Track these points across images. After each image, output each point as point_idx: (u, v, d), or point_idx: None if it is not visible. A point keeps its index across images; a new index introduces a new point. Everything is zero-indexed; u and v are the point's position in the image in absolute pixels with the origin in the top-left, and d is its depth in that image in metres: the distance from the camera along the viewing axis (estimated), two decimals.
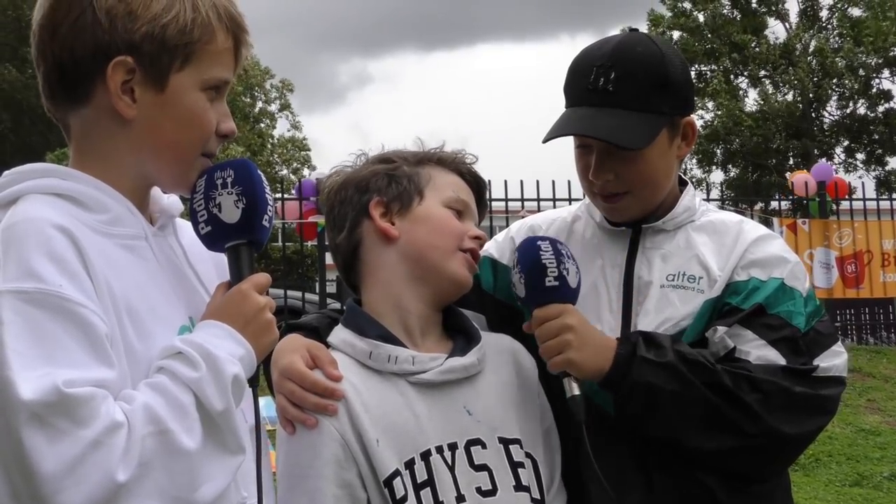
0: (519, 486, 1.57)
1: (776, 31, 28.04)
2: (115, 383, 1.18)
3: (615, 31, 1.94)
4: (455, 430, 1.57)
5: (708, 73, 27.25)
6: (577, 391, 1.59)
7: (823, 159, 26.12)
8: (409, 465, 1.52)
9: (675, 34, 27.09)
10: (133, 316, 1.25)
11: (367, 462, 1.51)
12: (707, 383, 1.63)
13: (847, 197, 11.85)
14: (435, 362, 1.59)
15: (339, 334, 1.63)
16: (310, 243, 10.48)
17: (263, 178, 1.39)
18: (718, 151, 28.15)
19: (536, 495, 1.60)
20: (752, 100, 27.82)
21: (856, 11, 26.88)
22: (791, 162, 27.68)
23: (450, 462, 1.54)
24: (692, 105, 1.88)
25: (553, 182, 10.12)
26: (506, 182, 10.00)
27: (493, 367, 1.65)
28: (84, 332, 1.16)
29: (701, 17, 27.41)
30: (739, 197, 17.92)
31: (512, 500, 1.56)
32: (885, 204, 11.27)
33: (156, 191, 1.43)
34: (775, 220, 10.59)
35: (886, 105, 27.72)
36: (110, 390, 1.16)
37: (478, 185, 1.75)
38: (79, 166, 1.34)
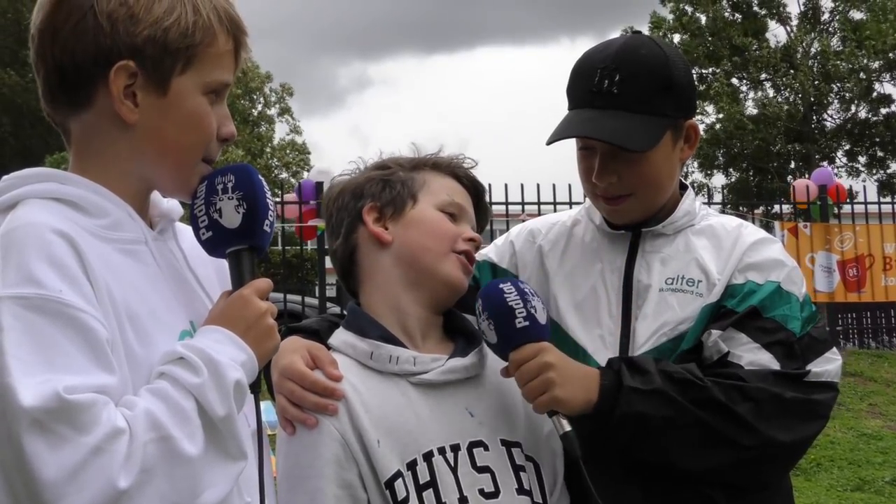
0: (521, 490, 1.57)
1: (777, 34, 28.09)
2: (116, 389, 1.17)
3: (616, 35, 1.93)
4: (457, 431, 1.57)
5: (709, 76, 27.27)
6: (567, 427, 1.56)
7: (825, 163, 26.14)
8: (411, 465, 1.52)
9: (676, 37, 27.10)
10: (134, 321, 1.24)
11: (367, 463, 1.51)
12: (697, 400, 1.62)
13: (848, 201, 11.84)
14: (436, 363, 1.59)
15: (340, 336, 1.64)
16: (309, 247, 10.48)
17: (264, 183, 1.38)
18: (719, 155, 28.16)
19: (538, 499, 1.59)
20: (753, 103, 27.85)
21: (857, 14, 26.90)
22: (792, 165, 27.70)
23: (452, 463, 1.54)
24: (695, 108, 1.88)
25: (554, 185, 10.14)
26: (506, 185, 10.02)
27: (494, 370, 1.65)
28: (85, 337, 1.15)
29: (703, 20, 27.44)
30: (741, 201, 17.90)
31: (514, 502, 1.56)
32: (886, 207, 11.27)
33: (155, 195, 1.43)
34: (776, 224, 10.58)
35: (888, 109, 27.74)
36: (111, 396, 1.15)
37: (475, 189, 1.75)
38: (79, 171, 1.33)
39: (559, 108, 1.86)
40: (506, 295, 1.59)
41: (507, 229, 2.08)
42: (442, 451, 1.55)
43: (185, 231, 1.47)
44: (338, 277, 1.76)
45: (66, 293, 1.16)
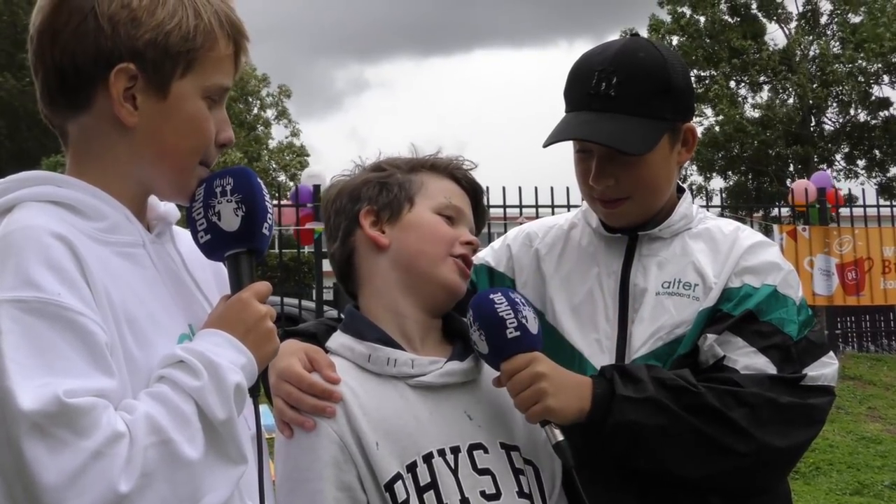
0: (521, 493, 1.57)
1: (776, 37, 28.13)
2: (115, 393, 1.16)
3: (614, 38, 1.93)
4: (457, 433, 1.57)
5: (707, 78, 27.29)
6: (560, 437, 1.55)
7: (823, 165, 26.14)
8: (411, 468, 1.52)
9: (675, 39, 27.13)
10: (132, 324, 1.24)
11: (366, 465, 1.50)
12: (691, 407, 1.61)
13: (846, 204, 11.84)
14: (434, 366, 1.59)
15: (338, 339, 1.63)
16: (307, 250, 10.46)
17: (263, 186, 1.37)
18: (718, 158, 28.17)
19: (539, 503, 1.60)
20: (752, 105, 27.87)
21: (856, 18, 26.92)
22: (791, 168, 27.72)
23: (452, 465, 1.54)
24: (693, 111, 1.88)
25: (551, 188, 10.15)
26: (504, 188, 10.00)
27: (491, 374, 1.64)
28: (83, 340, 1.15)
29: (702, 21, 27.47)
30: (739, 204, 17.92)
31: None
32: (885, 211, 11.26)
33: (152, 198, 1.42)
34: (775, 227, 10.58)
35: (886, 112, 27.76)
36: (111, 400, 1.15)
37: (474, 191, 1.74)
38: (76, 173, 1.33)
39: (557, 110, 1.86)
40: (496, 305, 1.58)
41: (505, 232, 2.07)
42: (442, 452, 1.54)
43: (183, 234, 1.46)
44: (336, 280, 1.76)
45: (65, 296, 1.15)
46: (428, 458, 1.53)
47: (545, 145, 1.82)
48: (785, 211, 13.03)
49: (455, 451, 1.55)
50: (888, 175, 28.16)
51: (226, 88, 1.38)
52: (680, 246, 1.83)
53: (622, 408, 1.60)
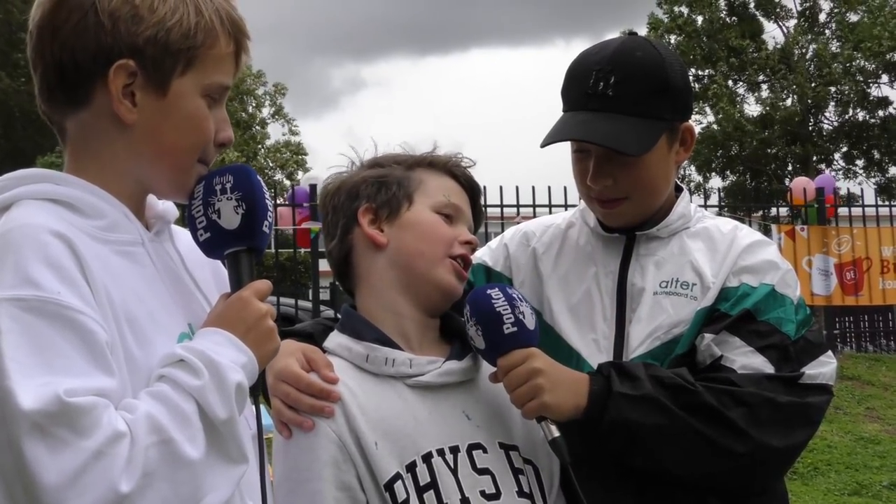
0: (521, 493, 1.57)
1: (775, 35, 28.13)
2: (115, 392, 1.16)
3: (611, 36, 1.92)
4: (456, 433, 1.57)
5: (706, 78, 27.30)
6: (556, 433, 1.55)
7: (823, 165, 26.14)
8: (411, 467, 1.51)
9: (672, 38, 27.13)
10: (132, 323, 1.23)
11: (365, 465, 1.50)
12: (688, 405, 1.61)
13: (845, 203, 11.84)
14: (433, 365, 1.59)
15: (336, 339, 1.63)
16: (303, 250, 10.45)
17: (263, 184, 1.37)
18: (716, 157, 28.18)
19: (539, 502, 1.59)
20: (753, 105, 27.88)
21: (854, 17, 26.93)
22: (790, 168, 27.73)
23: (452, 465, 1.54)
24: (691, 110, 1.88)
25: (549, 188, 10.13)
26: (501, 188, 9.99)
27: (489, 374, 1.64)
28: (83, 339, 1.14)
29: (699, 21, 27.47)
30: (738, 203, 17.93)
31: None
32: (884, 210, 11.26)
33: (151, 197, 1.41)
34: (773, 227, 10.57)
35: (885, 111, 27.78)
36: (111, 399, 1.14)
37: (472, 189, 1.73)
38: (74, 171, 1.32)
39: (554, 110, 1.86)
40: (493, 300, 1.58)
41: (502, 232, 2.07)
42: (441, 452, 1.54)
43: (181, 233, 1.46)
44: (334, 277, 1.75)
45: (65, 295, 1.15)
46: (427, 458, 1.53)
47: (543, 145, 1.81)
48: (784, 211, 13.03)
49: (454, 450, 1.55)
50: (887, 175, 28.17)
51: (226, 87, 1.37)
52: (678, 245, 1.82)
53: (618, 405, 1.59)
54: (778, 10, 27.78)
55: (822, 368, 1.71)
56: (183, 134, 1.32)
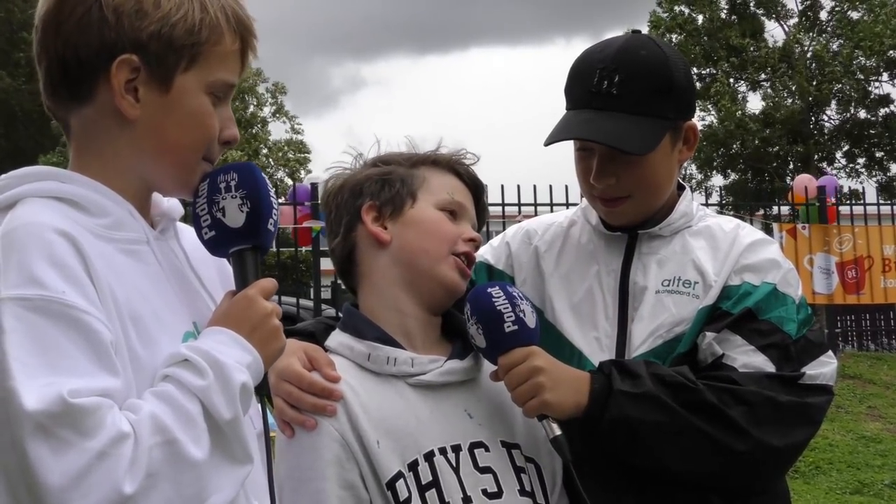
0: (523, 491, 1.57)
1: (775, 34, 28.10)
2: (120, 392, 1.15)
3: (611, 35, 1.91)
4: (457, 432, 1.57)
5: (707, 76, 27.27)
6: (558, 431, 1.55)
7: (825, 164, 26.10)
8: (413, 466, 1.51)
9: (674, 37, 27.09)
10: (137, 322, 1.22)
11: (367, 463, 1.50)
12: (689, 403, 1.61)
13: (846, 201, 11.82)
14: (434, 364, 1.59)
15: (337, 338, 1.63)
16: (304, 249, 10.44)
17: (267, 181, 1.36)
18: (717, 155, 28.15)
19: (541, 501, 1.59)
20: (755, 103, 27.87)
21: (855, 14, 26.89)
22: (791, 167, 27.70)
23: (454, 463, 1.54)
24: (694, 109, 1.88)
25: (550, 186, 10.09)
26: (502, 187, 9.96)
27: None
28: (88, 339, 1.14)
29: (700, 20, 27.45)
30: (739, 202, 17.92)
31: (517, 503, 1.56)
32: (885, 209, 11.24)
33: (156, 195, 1.41)
34: (775, 226, 10.56)
35: (886, 109, 27.75)
36: (115, 399, 1.14)
37: (475, 187, 1.73)
38: (78, 168, 1.31)
39: (555, 109, 1.85)
40: (494, 299, 1.58)
41: (504, 231, 2.06)
42: (443, 451, 1.54)
43: (186, 231, 1.45)
44: (336, 275, 1.75)
45: (69, 294, 1.14)
46: (429, 457, 1.53)
47: (546, 144, 1.81)
48: (785, 209, 13.01)
49: (456, 449, 1.55)
50: (889, 174, 28.14)
51: (230, 85, 1.36)
52: (680, 244, 1.82)
53: (619, 403, 1.59)
54: (779, 8, 27.74)
55: (823, 368, 1.71)
56: (186, 130, 1.32)
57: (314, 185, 9.25)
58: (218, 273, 1.46)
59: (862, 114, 28.06)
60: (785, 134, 26.86)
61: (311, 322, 1.80)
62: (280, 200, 10.12)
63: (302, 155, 31.94)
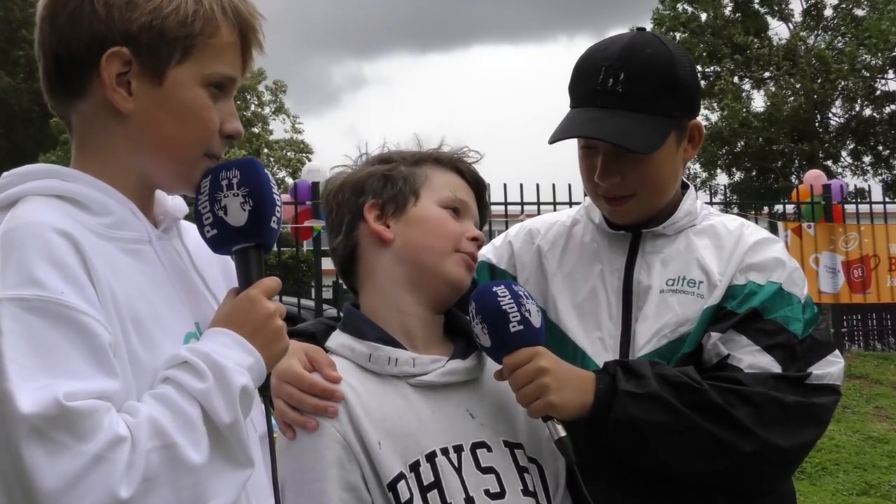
0: (526, 491, 1.57)
1: (779, 31, 28.06)
2: (118, 394, 1.14)
3: (614, 33, 1.90)
4: (459, 432, 1.56)
5: (711, 74, 27.26)
6: (563, 433, 1.54)
7: (830, 162, 26.06)
8: (414, 467, 1.51)
9: (677, 35, 27.07)
10: (137, 324, 1.21)
11: (369, 464, 1.49)
12: (694, 404, 1.60)
13: (851, 200, 11.78)
14: (436, 364, 1.58)
15: (338, 338, 1.62)
16: (305, 248, 10.44)
17: (271, 178, 1.34)
18: (722, 153, 28.12)
19: (543, 501, 1.59)
20: (759, 101, 27.82)
21: (860, 11, 26.84)
22: (796, 164, 27.66)
23: (456, 464, 1.53)
24: (699, 107, 1.87)
25: (553, 185, 10.07)
26: (505, 185, 9.93)
27: (493, 372, 1.63)
28: (86, 341, 1.12)
29: (703, 17, 27.43)
30: (744, 201, 17.91)
31: (520, 503, 1.55)
32: (891, 208, 11.21)
33: (160, 193, 1.39)
34: (780, 224, 10.53)
35: (892, 107, 27.70)
36: (113, 402, 1.12)
37: (477, 185, 1.72)
38: (79, 165, 1.30)
39: (558, 107, 1.84)
40: (499, 298, 1.57)
41: (506, 230, 2.05)
42: (445, 451, 1.53)
43: (190, 229, 1.43)
44: (338, 274, 1.74)
45: (68, 295, 1.13)
46: (431, 457, 1.52)
47: (551, 142, 1.80)
48: (790, 208, 12.98)
49: (458, 449, 1.54)
50: (895, 172, 28.08)
51: (230, 78, 1.34)
52: (684, 243, 1.82)
53: (624, 403, 1.59)
54: (783, 6, 27.70)
55: (830, 368, 1.70)
56: (182, 124, 1.30)
57: (315, 184, 9.24)
58: (222, 271, 1.44)
59: (867, 111, 28.00)
60: (790, 132, 26.81)
61: (312, 322, 1.79)
62: (282, 198, 10.13)
63: (303, 155, 31.96)
